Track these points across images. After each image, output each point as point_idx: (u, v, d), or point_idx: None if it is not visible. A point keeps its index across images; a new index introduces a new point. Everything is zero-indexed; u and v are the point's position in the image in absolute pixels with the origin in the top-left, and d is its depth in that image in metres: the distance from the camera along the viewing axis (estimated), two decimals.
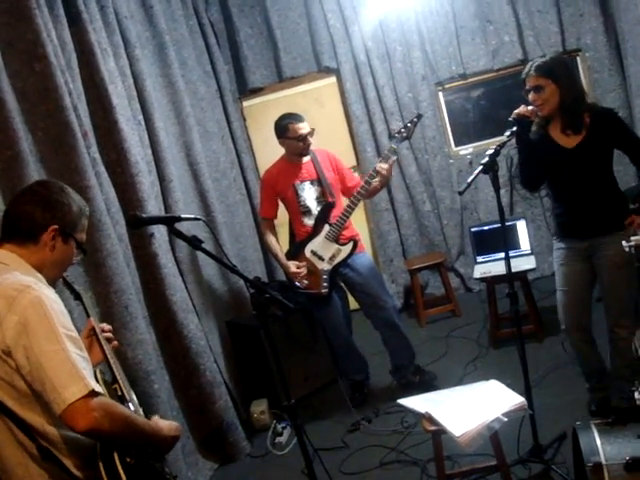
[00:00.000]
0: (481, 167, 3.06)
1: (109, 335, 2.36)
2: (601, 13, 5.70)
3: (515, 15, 5.83)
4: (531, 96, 3.25)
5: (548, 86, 3.19)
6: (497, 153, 3.08)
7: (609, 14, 5.66)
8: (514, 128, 3.20)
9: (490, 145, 3.19)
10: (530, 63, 3.29)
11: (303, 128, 4.27)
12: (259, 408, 4.50)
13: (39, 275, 1.96)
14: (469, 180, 3.11)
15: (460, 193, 3.21)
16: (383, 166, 4.14)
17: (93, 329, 2.33)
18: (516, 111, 3.24)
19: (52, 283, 2.04)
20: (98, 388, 1.76)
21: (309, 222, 4.38)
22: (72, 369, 1.73)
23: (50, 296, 1.86)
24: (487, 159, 3.05)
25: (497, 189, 3.10)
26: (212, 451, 4.17)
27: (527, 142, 3.35)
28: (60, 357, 1.74)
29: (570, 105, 3.22)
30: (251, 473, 4.04)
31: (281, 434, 4.31)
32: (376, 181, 4.23)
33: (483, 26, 5.93)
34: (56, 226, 1.99)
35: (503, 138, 3.18)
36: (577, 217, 3.39)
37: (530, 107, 3.25)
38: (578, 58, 5.94)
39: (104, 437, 1.79)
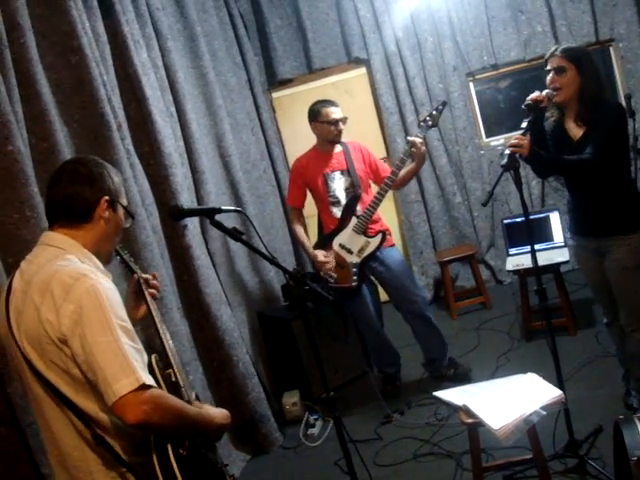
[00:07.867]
0: (501, 170, 3.01)
1: (153, 292, 2.36)
2: (635, 3, 5.63)
3: (547, 5, 5.77)
4: (550, 77, 3.15)
5: (571, 70, 3.08)
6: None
7: None
8: (529, 117, 3.10)
9: None
10: (557, 45, 3.21)
11: (335, 112, 4.26)
12: (291, 400, 4.51)
13: (95, 259, 1.96)
14: (490, 189, 3.06)
15: (484, 205, 3.15)
16: (417, 139, 4.03)
17: (138, 283, 2.33)
18: (530, 96, 3.13)
19: (109, 257, 2.08)
20: (150, 381, 1.76)
21: (338, 213, 4.35)
22: (124, 362, 1.72)
23: (106, 285, 1.84)
24: (505, 160, 2.97)
25: (519, 185, 3.03)
26: (245, 442, 4.18)
27: (540, 129, 3.26)
28: (112, 348, 1.73)
29: (589, 99, 3.10)
30: (284, 464, 4.04)
31: (313, 426, 4.31)
32: (410, 164, 4.15)
33: (515, 16, 5.87)
34: (107, 197, 1.99)
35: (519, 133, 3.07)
36: (584, 214, 3.31)
37: (544, 92, 3.14)
38: (611, 48, 5.88)
39: (154, 430, 1.80)
